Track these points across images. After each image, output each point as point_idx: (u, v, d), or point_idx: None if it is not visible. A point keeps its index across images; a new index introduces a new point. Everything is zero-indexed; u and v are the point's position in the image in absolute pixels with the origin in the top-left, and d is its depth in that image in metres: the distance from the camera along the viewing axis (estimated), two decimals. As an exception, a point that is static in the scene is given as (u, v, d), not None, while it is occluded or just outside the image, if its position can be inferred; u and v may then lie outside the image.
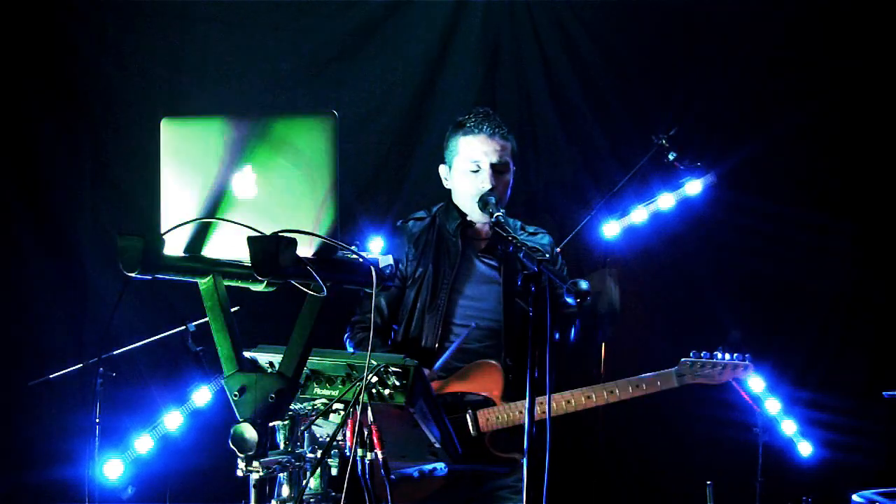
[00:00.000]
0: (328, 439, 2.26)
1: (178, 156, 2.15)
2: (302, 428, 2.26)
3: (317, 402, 2.32)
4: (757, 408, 4.13)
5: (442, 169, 3.59)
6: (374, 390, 2.30)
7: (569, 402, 3.43)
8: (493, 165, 3.44)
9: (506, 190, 3.49)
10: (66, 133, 4.79)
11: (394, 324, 3.57)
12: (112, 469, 4.02)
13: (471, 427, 3.40)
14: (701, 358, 3.51)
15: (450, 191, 3.59)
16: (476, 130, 3.47)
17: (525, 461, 2.70)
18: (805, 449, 4.31)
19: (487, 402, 3.42)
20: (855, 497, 3.84)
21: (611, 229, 4.55)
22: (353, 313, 3.63)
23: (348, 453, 2.23)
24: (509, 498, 3.41)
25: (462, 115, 3.57)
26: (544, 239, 3.62)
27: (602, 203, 4.58)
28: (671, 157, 4.45)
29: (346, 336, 3.60)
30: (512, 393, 3.42)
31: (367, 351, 2.30)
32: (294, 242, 1.99)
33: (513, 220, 3.56)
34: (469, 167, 3.47)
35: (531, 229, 3.63)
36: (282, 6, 4.92)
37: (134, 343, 4.07)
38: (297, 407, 2.27)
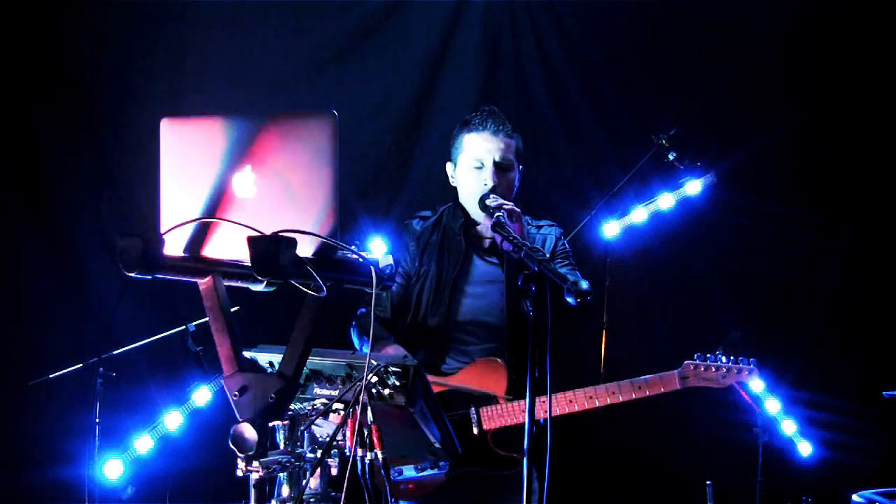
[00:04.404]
0: (328, 439, 2.25)
1: (178, 156, 2.15)
2: (302, 428, 2.25)
3: (317, 402, 2.32)
4: (757, 408, 4.13)
5: (448, 167, 3.58)
6: (374, 390, 2.30)
7: (570, 402, 3.42)
8: (496, 163, 3.43)
9: (510, 188, 3.47)
10: (66, 133, 4.79)
11: (399, 319, 3.56)
12: (112, 469, 4.03)
13: (474, 424, 3.40)
14: (705, 361, 3.47)
15: (456, 189, 3.58)
16: (480, 128, 3.46)
17: (525, 461, 2.69)
18: (805, 449, 4.31)
19: (491, 400, 3.42)
20: (855, 497, 3.84)
21: (611, 229, 4.55)
22: (354, 312, 3.62)
23: (348, 453, 2.23)
24: (511, 497, 3.39)
25: (468, 114, 3.56)
26: (552, 232, 3.59)
27: (602, 203, 4.58)
28: (671, 157, 4.46)
29: (352, 327, 3.58)
30: (515, 391, 3.42)
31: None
32: (294, 242, 1.99)
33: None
34: (472, 164, 3.46)
35: (539, 223, 3.60)
36: (282, 6, 4.92)
37: (134, 343, 4.07)
38: (297, 407, 2.26)
